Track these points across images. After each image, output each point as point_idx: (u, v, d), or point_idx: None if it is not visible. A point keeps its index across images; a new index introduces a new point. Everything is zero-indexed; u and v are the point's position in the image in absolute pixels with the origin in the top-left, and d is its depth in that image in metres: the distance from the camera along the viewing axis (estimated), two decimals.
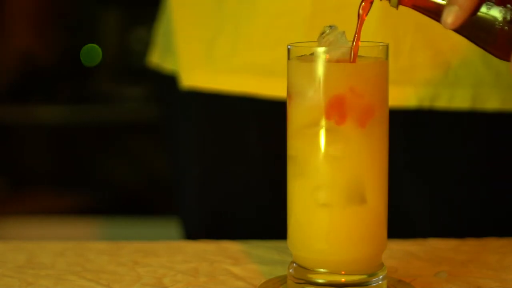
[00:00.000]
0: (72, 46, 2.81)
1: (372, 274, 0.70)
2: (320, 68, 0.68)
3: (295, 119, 0.70)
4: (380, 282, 0.71)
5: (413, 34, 0.90)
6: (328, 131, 0.68)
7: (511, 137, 0.95)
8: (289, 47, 0.70)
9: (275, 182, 0.87)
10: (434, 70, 0.90)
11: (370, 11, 0.88)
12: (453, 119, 0.93)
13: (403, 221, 0.95)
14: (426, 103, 0.91)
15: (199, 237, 0.92)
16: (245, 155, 1.00)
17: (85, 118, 2.74)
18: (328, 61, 0.68)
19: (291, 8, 0.92)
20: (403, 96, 0.91)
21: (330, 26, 0.70)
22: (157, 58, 1.11)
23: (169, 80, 1.06)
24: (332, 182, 0.68)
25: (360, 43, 0.69)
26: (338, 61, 0.68)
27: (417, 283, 0.75)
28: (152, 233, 2.48)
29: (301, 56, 0.69)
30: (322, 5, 0.91)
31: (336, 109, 0.68)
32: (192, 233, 1.06)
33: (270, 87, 0.95)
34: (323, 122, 0.68)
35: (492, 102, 0.91)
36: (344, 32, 0.70)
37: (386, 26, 0.89)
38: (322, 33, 0.70)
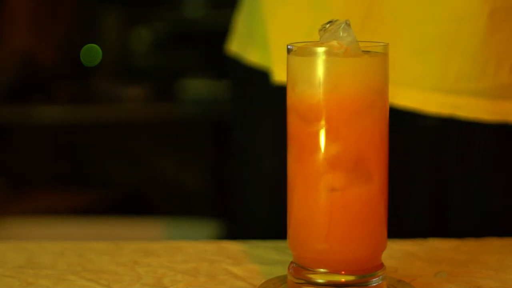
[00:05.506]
0: (72, 46, 2.81)
1: (372, 274, 0.70)
2: (320, 62, 0.68)
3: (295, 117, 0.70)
4: (380, 282, 0.71)
5: None
6: (328, 129, 0.68)
7: None
8: (289, 47, 0.70)
9: None
10: None
11: (476, 27, 0.89)
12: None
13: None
14: None
15: (254, 237, 0.91)
16: None
17: (85, 118, 2.74)
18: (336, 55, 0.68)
19: (402, 12, 0.92)
20: (503, 110, 0.92)
21: (330, 21, 0.70)
22: (236, 47, 1.08)
23: (249, 70, 1.05)
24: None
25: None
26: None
27: (417, 283, 0.75)
28: (152, 233, 2.48)
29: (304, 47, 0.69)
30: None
31: (336, 103, 0.68)
32: (256, 231, 1.05)
33: None
34: (323, 121, 0.68)
35: None
36: (347, 22, 0.69)
37: (491, 43, 0.90)
38: (322, 28, 0.70)
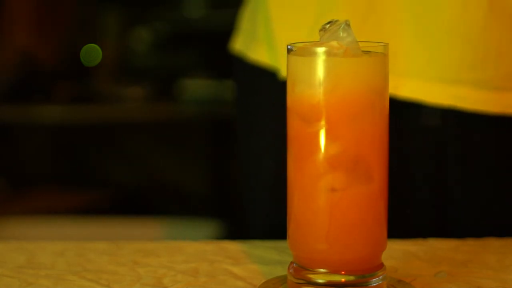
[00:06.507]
0: (72, 46, 2.81)
1: (372, 274, 0.70)
2: (320, 62, 0.68)
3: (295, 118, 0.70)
4: (380, 282, 0.71)
5: None
6: (328, 129, 0.68)
7: None
8: (289, 47, 0.70)
9: None
10: None
11: (477, 14, 0.89)
12: None
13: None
14: None
15: (262, 236, 0.91)
16: None
17: (85, 118, 2.74)
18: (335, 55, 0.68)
19: (405, 2, 0.92)
20: (505, 102, 0.91)
21: (330, 22, 0.70)
22: (240, 45, 1.08)
23: (252, 68, 1.05)
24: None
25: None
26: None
27: (417, 283, 0.75)
28: (152, 233, 2.48)
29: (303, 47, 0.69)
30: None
31: (336, 104, 0.68)
32: (257, 230, 1.05)
33: None
34: (323, 121, 0.68)
35: None
36: (347, 22, 0.69)
37: (492, 31, 0.89)
38: (322, 29, 0.70)
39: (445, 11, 0.90)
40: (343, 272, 0.70)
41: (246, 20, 1.08)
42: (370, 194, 0.69)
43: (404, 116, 0.94)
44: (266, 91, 1.03)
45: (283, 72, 0.98)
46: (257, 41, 1.03)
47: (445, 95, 0.91)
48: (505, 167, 0.95)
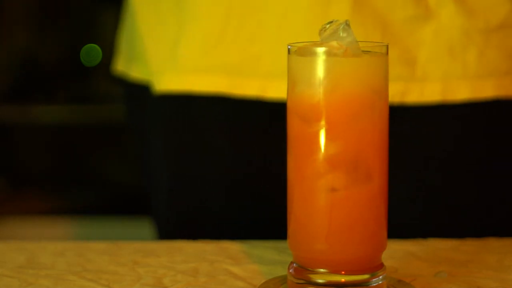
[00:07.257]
0: (72, 46, 2.81)
1: (372, 274, 0.71)
2: (320, 62, 0.68)
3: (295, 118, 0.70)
4: (380, 282, 0.71)
5: (382, 32, 0.91)
6: (328, 129, 0.68)
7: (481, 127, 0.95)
8: (289, 47, 0.70)
9: (243, 184, 0.87)
10: (402, 66, 0.91)
11: (340, 9, 0.89)
12: (424, 112, 0.93)
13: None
14: (396, 99, 0.91)
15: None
16: (216, 157, 0.98)
17: (85, 118, 2.74)
18: (335, 55, 0.68)
19: (263, 5, 0.92)
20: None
21: (330, 22, 0.70)
22: (122, 66, 1.10)
23: (136, 87, 1.06)
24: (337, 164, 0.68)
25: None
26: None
27: (417, 283, 0.75)
28: (152, 233, 2.48)
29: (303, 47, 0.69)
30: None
31: (336, 103, 0.68)
32: (163, 236, 1.07)
33: (242, 87, 0.94)
34: (323, 121, 0.68)
35: (461, 93, 0.92)
36: (347, 22, 0.69)
37: (356, 23, 0.89)
38: (322, 29, 0.70)
39: (312, 8, 0.90)
40: (343, 272, 0.70)
41: (124, 41, 1.10)
42: (370, 194, 0.69)
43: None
44: (151, 106, 1.04)
45: (157, 85, 0.98)
46: (136, 60, 1.05)
47: None
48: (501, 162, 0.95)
